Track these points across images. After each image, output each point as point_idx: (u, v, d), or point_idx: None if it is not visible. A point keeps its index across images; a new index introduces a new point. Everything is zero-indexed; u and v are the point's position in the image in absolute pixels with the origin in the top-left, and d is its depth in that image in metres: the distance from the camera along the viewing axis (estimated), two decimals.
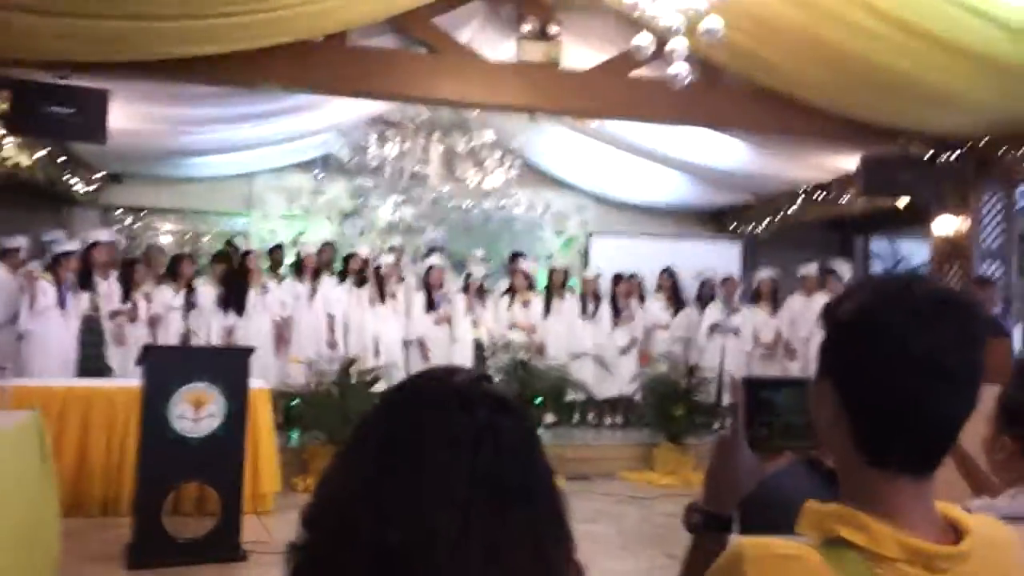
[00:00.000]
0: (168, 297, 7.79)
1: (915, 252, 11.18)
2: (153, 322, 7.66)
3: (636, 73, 6.71)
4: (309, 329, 8.25)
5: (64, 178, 8.46)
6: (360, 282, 8.52)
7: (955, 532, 0.94)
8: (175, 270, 7.95)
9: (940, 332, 0.91)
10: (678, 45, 4.59)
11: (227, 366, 5.19)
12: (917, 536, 0.90)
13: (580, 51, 7.11)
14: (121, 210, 9.98)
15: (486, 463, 0.85)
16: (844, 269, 8.74)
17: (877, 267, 11.94)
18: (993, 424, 2.14)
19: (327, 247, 9.01)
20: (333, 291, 8.43)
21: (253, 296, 8.07)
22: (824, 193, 9.25)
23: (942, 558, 0.90)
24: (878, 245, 11.96)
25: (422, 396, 0.90)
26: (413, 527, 0.80)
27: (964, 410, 0.94)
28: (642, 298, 9.46)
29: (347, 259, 8.74)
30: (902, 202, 7.99)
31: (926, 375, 0.91)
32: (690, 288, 9.70)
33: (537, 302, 9.07)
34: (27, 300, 6.97)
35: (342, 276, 8.61)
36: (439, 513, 0.81)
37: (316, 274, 8.43)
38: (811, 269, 9.02)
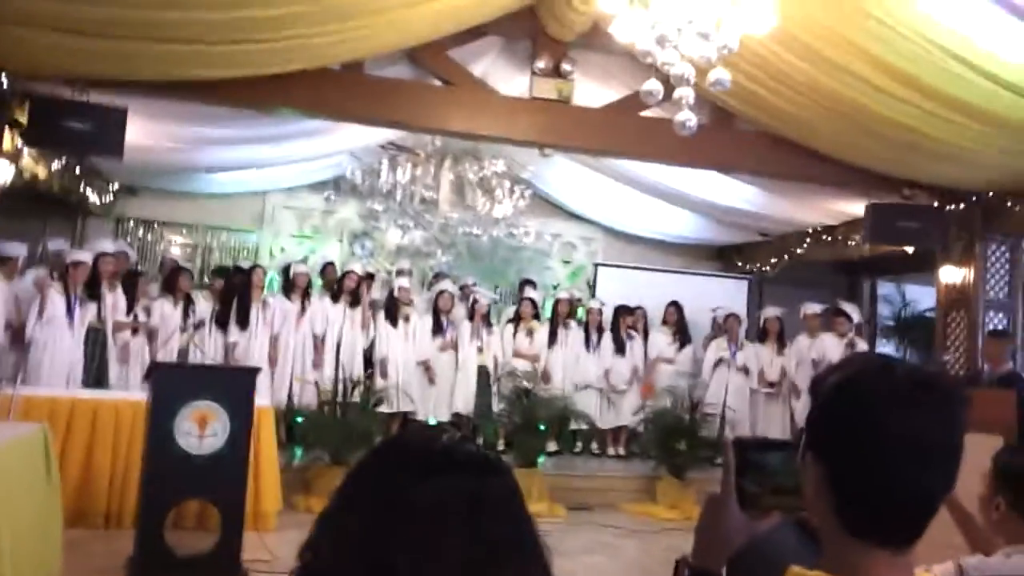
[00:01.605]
0: (168, 310, 7.83)
1: (922, 297, 11.18)
2: (152, 335, 7.71)
3: (647, 113, 6.80)
4: (298, 348, 8.27)
5: (79, 189, 8.55)
6: (354, 302, 8.49)
7: None
8: (173, 283, 7.97)
9: (917, 414, 0.95)
10: (686, 94, 4.66)
11: (233, 385, 5.23)
12: None
13: (592, 89, 7.21)
14: (134, 222, 10.10)
15: (480, 525, 0.87)
16: (852, 311, 8.75)
17: (884, 310, 11.95)
18: (988, 483, 2.18)
19: (330, 267, 9.06)
20: (327, 310, 8.41)
21: (255, 312, 8.12)
22: (831, 235, 9.32)
23: None
24: (885, 288, 11.97)
25: (414, 461, 0.91)
26: None
27: (941, 488, 0.98)
28: (646, 331, 9.51)
29: (342, 277, 8.67)
30: (910, 247, 8.04)
31: (902, 455, 0.94)
32: (698, 323, 9.74)
33: (542, 331, 9.13)
34: (36, 308, 6.99)
35: (335, 296, 8.54)
36: None
37: (306, 293, 8.43)
38: (813, 308, 9.04)
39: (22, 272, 7.56)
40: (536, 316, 9.21)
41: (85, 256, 7.38)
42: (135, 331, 7.63)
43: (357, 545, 0.86)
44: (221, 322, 7.98)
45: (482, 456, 0.95)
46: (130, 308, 7.63)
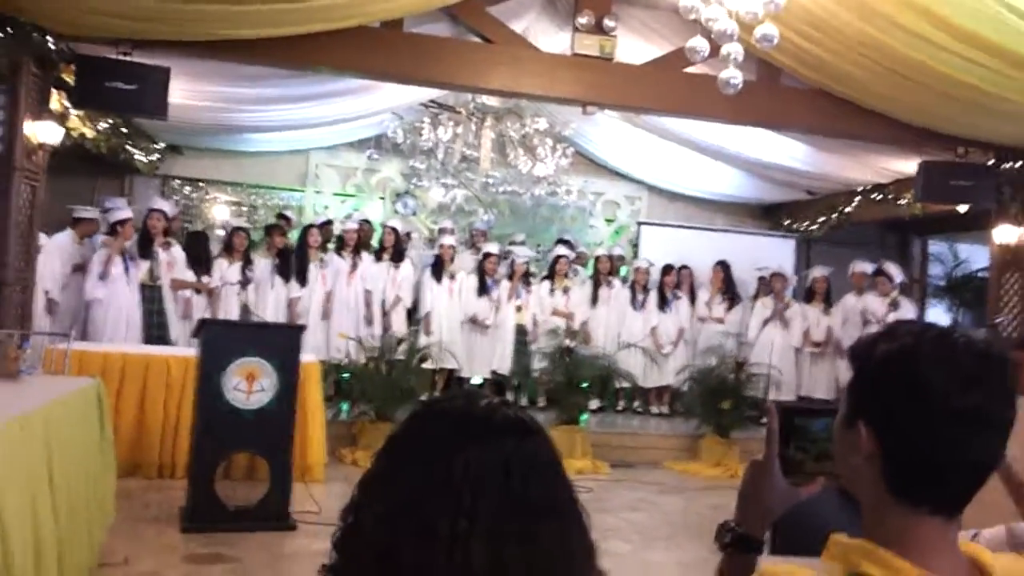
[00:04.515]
0: (225, 270, 7.98)
1: (974, 256, 10.92)
2: (212, 294, 7.88)
3: (691, 69, 6.67)
4: (348, 305, 8.45)
5: (126, 149, 8.68)
6: (396, 257, 8.63)
7: (980, 573, 0.96)
8: (229, 243, 8.14)
9: (981, 387, 0.94)
10: (732, 50, 4.54)
11: (280, 342, 5.34)
12: None
13: (635, 45, 7.08)
14: (179, 181, 10.24)
15: (516, 490, 0.89)
16: (895, 271, 8.60)
17: (935, 270, 11.70)
18: None
19: (366, 224, 9.18)
20: (370, 268, 8.58)
21: (313, 269, 8.35)
22: (882, 194, 9.11)
23: None
24: (936, 247, 11.71)
25: (452, 429, 0.93)
26: (454, 555, 0.86)
27: (999, 456, 0.98)
28: (692, 291, 9.45)
29: (382, 235, 8.92)
30: (963, 206, 7.83)
31: (970, 427, 0.94)
32: (744, 283, 9.63)
33: (577, 289, 9.13)
34: (95, 269, 7.15)
35: (378, 254, 8.72)
36: (475, 541, 0.86)
37: (356, 251, 8.59)
38: (863, 266, 8.90)
39: (92, 235, 7.77)
40: (567, 274, 9.18)
41: (128, 213, 7.50)
42: (199, 290, 7.80)
43: (400, 511, 0.89)
44: (282, 275, 8.14)
45: (518, 419, 0.96)
46: (204, 268, 7.80)
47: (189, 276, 7.76)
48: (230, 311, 7.81)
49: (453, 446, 0.91)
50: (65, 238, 7.51)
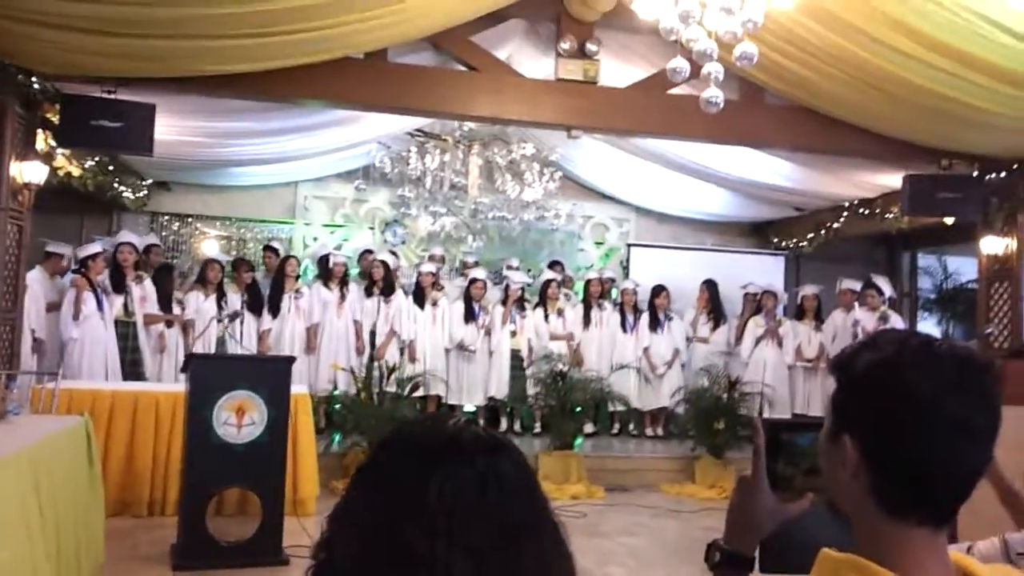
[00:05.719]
0: (201, 303, 7.91)
1: (964, 268, 10.96)
2: (186, 327, 7.82)
3: (674, 91, 6.71)
4: (340, 336, 8.37)
5: (113, 186, 8.67)
6: (386, 290, 8.49)
7: None
8: (203, 276, 8.07)
9: (967, 395, 0.93)
10: (715, 70, 4.59)
11: (269, 374, 5.30)
12: None
13: (618, 68, 7.13)
14: (168, 217, 10.23)
15: (491, 507, 0.88)
16: (884, 284, 8.63)
17: (924, 283, 11.74)
18: None
19: (368, 254, 9.13)
20: (363, 300, 8.51)
21: (287, 300, 8.25)
22: (869, 208, 9.15)
23: None
24: (925, 260, 11.76)
25: (421, 453, 0.92)
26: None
27: (986, 464, 0.97)
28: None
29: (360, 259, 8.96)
30: (950, 218, 7.88)
31: (956, 435, 0.93)
32: (735, 301, 9.63)
33: (571, 310, 9.11)
34: (70, 309, 7.01)
35: (368, 289, 8.56)
36: (455, 562, 0.84)
37: (344, 282, 8.53)
38: (850, 284, 8.92)
39: (63, 272, 7.69)
40: (558, 296, 9.14)
41: (96, 248, 7.41)
42: (169, 324, 7.73)
43: (374, 539, 0.87)
44: (253, 309, 8.04)
45: (487, 436, 0.95)
46: (167, 303, 7.70)
47: (158, 311, 7.67)
48: (208, 344, 7.70)
49: (424, 468, 0.89)
50: (36, 275, 7.26)
